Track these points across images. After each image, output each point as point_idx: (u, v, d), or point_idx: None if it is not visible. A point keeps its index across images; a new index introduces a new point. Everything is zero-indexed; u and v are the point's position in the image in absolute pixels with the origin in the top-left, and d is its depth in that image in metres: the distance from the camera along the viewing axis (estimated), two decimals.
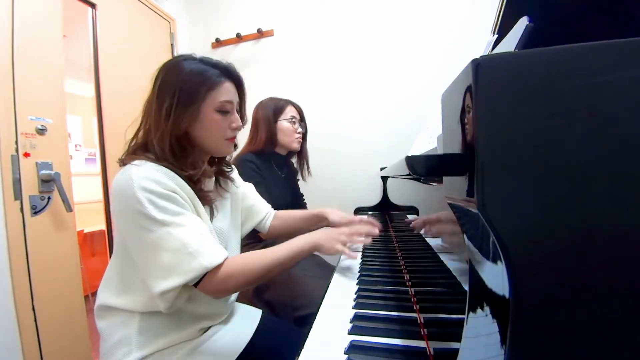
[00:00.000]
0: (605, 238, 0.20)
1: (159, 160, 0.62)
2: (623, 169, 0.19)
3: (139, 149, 0.65)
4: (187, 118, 0.63)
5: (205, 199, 0.68)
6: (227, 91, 0.67)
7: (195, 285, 0.59)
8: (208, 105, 0.65)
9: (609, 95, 0.19)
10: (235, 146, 0.78)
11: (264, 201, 0.98)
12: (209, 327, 0.70)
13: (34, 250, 1.08)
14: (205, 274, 0.58)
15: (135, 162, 0.60)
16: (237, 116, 0.71)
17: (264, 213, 0.96)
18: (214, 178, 0.78)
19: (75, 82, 2.76)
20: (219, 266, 0.59)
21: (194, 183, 0.65)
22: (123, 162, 0.63)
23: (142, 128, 0.67)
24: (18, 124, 1.06)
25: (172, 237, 0.56)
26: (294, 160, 1.43)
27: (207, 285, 0.59)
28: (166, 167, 0.62)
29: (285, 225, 0.99)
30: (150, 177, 0.57)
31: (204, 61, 0.67)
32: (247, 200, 0.91)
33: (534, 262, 0.20)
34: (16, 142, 1.06)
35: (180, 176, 0.63)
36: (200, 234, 0.59)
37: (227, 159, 0.82)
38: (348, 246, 0.74)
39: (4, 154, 1.02)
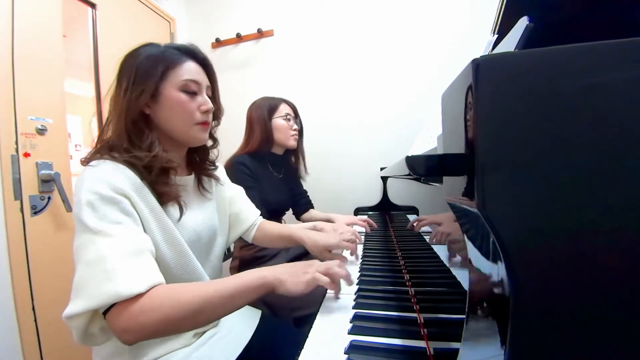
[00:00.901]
0: (605, 238, 0.20)
1: (121, 155, 0.57)
2: (623, 169, 0.19)
3: (104, 148, 0.60)
4: (142, 96, 0.59)
5: (167, 194, 0.61)
6: (190, 70, 0.63)
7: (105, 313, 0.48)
8: (170, 85, 0.61)
9: (609, 95, 0.19)
10: (215, 140, 0.74)
11: (252, 208, 0.91)
12: (205, 332, 0.68)
13: (34, 250, 1.09)
14: (116, 304, 0.47)
15: (94, 162, 0.56)
16: (207, 98, 0.66)
17: (251, 221, 0.88)
18: (192, 176, 0.73)
19: (75, 82, 2.76)
20: (137, 297, 0.47)
21: (149, 173, 0.58)
22: (84, 163, 0.58)
23: (107, 124, 0.63)
24: (18, 124, 1.06)
25: (93, 247, 0.47)
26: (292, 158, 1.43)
27: (114, 319, 0.46)
28: (126, 163, 0.57)
29: (264, 240, 0.91)
30: (101, 177, 0.53)
31: (166, 45, 0.65)
32: (234, 206, 0.85)
33: (534, 262, 0.20)
34: (16, 142, 1.06)
35: (139, 173, 0.57)
36: (129, 250, 0.49)
37: (211, 157, 0.77)
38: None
39: (4, 154, 1.03)
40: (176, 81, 0.62)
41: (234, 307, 0.52)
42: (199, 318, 0.50)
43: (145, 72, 0.60)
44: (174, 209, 0.63)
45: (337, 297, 0.63)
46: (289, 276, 0.55)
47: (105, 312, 0.48)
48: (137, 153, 0.57)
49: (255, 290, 0.53)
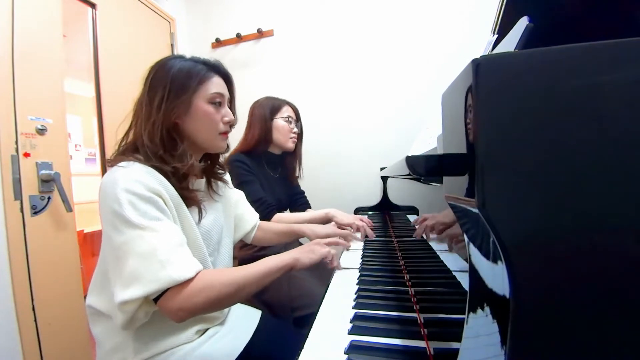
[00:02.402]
0: (605, 238, 0.20)
1: (148, 160, 0.61)
2: (623, 169, 0.19)
3: (128, 150, 0.65)
4: (178, 108, 0.64)
5: (192, 199, 0.66)
6: (216, 84, 0.69)
7: (156, 300, 0.55)
8: (200, 97, 0.67)
9: (609, 95, 0.19)
10: (227, 147, 0.79)
11: (252, 211, 0.98)
12: (207, 329, 0.70)
13: (34, 250, 1.08)
14: (169, 289, 0.54)
15: (123, 163, 0.59)
16: (229, 110, 0.72)
17: (252, 223, 0.95)
18: (204, 180, 0.77)
19: (75, 82, 2.76)
20: (188, 281, 0.54)
21: (180, 180, 0.64)
22: (111, 163, 0.62)
23: (132, 128, 0.67)
24: (18, 124, 1.06)
25: (143, 242, 0.53)
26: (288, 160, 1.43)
27: (167, 302, 0.54)
28: (154, 167, 0.61)
29: (266, 238, 0.99)
30: (135, 177, 0.56)
31: (193, 59, 0.69)
32: (238, 209, 0.91)
33: (534, 262, 0.20)
34: (16, 142, 1.06)
35: (167, 176, 0.62)
36: (175, 242, 0.56)
37: (219, 159, 0.82)
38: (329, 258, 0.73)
39: (4, 154, 1.02)
40: (205, 94, 0.67)
41: (263, 285, 0.63)
42: (238, 296, 0.60)
43: (181, 85, 0.65)
44: (193, 212, 0.68)
45: (337, 268, 0.79)
46: (302, 254, 0.69)
47: (156, 298, 0.54)
48: (175, 163, 0.63)
49: (279, 270, 0.64)
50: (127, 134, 0.68)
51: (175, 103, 0.64)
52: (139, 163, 0.60)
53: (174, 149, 0.64)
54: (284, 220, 1.17)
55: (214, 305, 0.58)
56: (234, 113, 0.75)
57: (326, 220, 1.20)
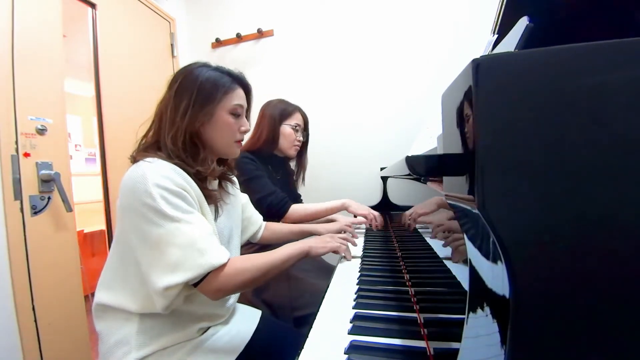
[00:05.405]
0: (605, 238, 0.20)
1: (170, 158, 0.64)
2: (623, 168, 0.19)
3: (150, 147, 0.67)
4: (201, 117, 0.68)
5: (210, 197, 0.70)
6: (239, 96, 0.73)
7: (196, 285, 0.59)
8: (222, 108, 0.70)
9: (609, 95, 0.19)
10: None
11: (256, 212, 1.02)
12: (209, 328, 0.71)
13: (34, 250, 1.09)
14: (208, 273, 0.59)
15: (148, 159, 0.62)
16: (246, 120, 0.76)
17: (258, 224, 1.00)
18: (217, 181, 0.79)
19: (75, 82, 2.76)
20: (223, 266, 0.60)
21: (201, 181, 0.68)
22: (135, 159, 0.65)
23: (152, 128, 0.70)
24: (18, 124, 1.06)
25: (182, 233, 0.57)
26: (292, 164, 1.44)
27: (208, 285, 0.59)
28: (176, 164, 0.64)
29: (275, 237, 1.05)
30: (162, 173, 0.59)
31: (219, 69, 0.73)
32: (245, 212, 0.95)
33: (534, 262, 0.20)
34: (16, 142, 1.06)
35: (188, 174, 0.65)
36: (207, 232, 0.61)
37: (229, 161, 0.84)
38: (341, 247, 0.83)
39: (4, 154, 1.02)
40: (228, 105, 0.71)
41: (283, 269, 0.70)
42: (265, 277, 0.67)
43: (207, 96, 0.68)
44: (211, 209, 0.72)
45: (349, 259, 0.88)
46: (316, 243, 0.78)
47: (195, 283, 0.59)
48: (198, 167, 0.67)
49: (297, 256, 0.72)
50: (146, 134, 0.71)
51: (200, 113, 0.67)
52: (162, 160, 0.63)
53: (197, 153, 0.68)
54: (302, 211, 1.22)
55: (245, 287, 0.65)
56: (248, 120, 0.79)
57: (342, 209, 1.28)
